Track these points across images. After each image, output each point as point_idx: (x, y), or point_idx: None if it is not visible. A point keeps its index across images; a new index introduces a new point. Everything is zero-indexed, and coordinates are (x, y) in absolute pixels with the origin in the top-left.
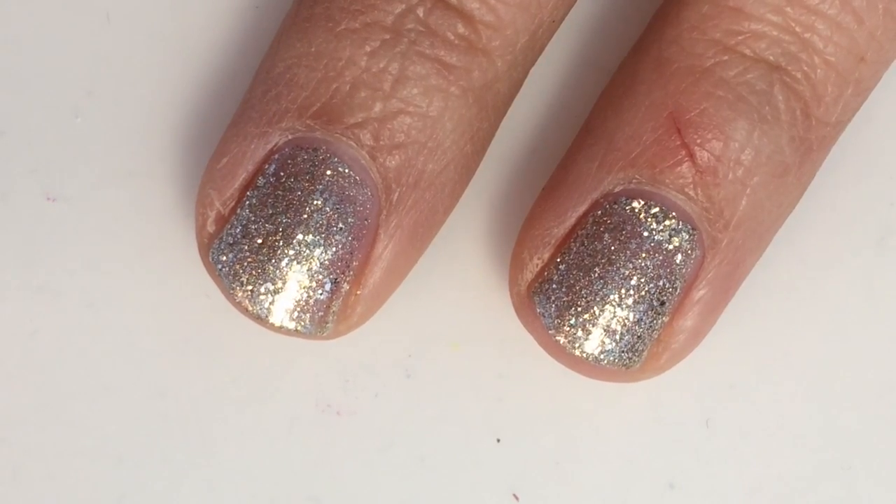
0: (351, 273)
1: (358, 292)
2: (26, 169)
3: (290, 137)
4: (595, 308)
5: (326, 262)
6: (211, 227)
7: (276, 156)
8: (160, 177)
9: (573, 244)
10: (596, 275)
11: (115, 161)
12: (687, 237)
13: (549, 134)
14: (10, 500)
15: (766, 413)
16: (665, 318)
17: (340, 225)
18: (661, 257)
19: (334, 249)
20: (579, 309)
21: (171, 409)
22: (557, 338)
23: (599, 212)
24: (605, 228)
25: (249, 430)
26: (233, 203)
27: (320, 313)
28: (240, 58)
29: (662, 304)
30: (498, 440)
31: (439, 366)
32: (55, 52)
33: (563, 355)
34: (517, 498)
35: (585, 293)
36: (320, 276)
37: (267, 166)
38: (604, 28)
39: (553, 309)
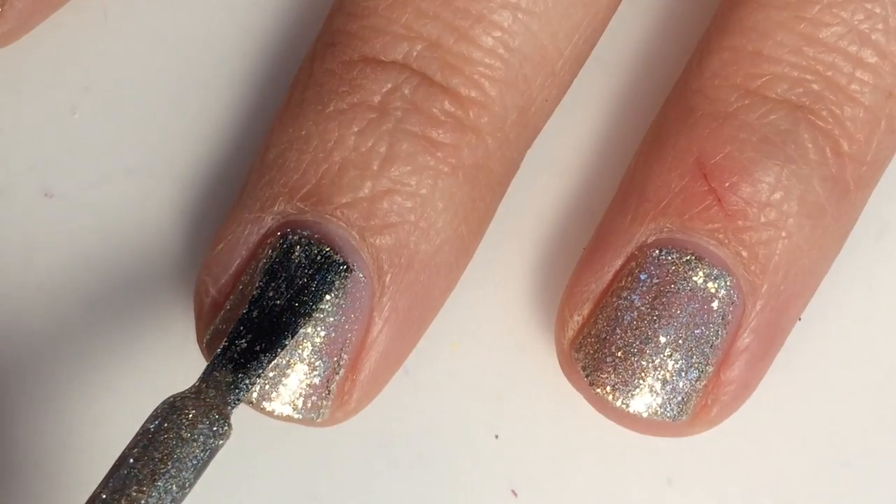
0: (345, 356)
1: (354, 377)
2: (24, 165)
3: (281, 221)
4: (634, 361)
5: (318, 345)
6: (206, 314)
7: (269, 240)
8: (158, 173)
9: (610, 299)
10: (633, 328)
11: (112, 157)
12: (722, 283)
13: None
14: (9, 500)
15: (765, 409)
16: (709, 369)
17: (331, 307)
18: (696, 305)
19: (325, 333)
20: (619, 363)
21: None
22: (600, 392)
23: (633, 264)
24: (640, 281)
25: (249, 429)
26: (227, 290)
27: (313, 398)
28: (238, 55)
29: (704, 353)
30: (496, 437)
31: (438, 364)
32: (53, 48)
33: (609, 410)
34: (516, 494)
35: (624, 347)
36: (313, 359)
37: (261, 251)
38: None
39: (593, 364)
